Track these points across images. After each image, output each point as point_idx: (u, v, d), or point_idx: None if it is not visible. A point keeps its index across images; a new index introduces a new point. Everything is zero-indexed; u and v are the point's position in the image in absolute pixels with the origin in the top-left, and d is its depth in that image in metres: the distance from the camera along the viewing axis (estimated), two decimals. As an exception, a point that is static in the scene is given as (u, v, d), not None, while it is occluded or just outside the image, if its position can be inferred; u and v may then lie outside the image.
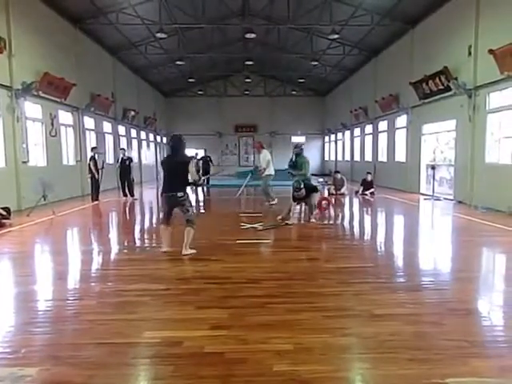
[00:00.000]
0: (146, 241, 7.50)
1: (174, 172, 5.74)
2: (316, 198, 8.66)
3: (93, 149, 13.21)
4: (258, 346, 3.03)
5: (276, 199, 11.18)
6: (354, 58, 19.80)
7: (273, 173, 11.39)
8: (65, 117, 13.73)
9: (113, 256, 6.19)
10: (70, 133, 14.23)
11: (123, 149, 15.10)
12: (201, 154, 20.63)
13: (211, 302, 3.92)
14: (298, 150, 9.31)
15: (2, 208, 8.30)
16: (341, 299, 4.02)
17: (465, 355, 2.87)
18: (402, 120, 16.29)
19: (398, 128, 16.72)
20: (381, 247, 6.65)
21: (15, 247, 6.63)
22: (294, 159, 9.41)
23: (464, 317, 3.61)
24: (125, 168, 13.41)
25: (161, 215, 6.17)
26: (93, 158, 12.64)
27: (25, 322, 3.54)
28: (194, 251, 5.79)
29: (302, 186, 8.27)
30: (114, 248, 6.81)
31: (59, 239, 7.56)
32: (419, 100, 14.00)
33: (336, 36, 15.30)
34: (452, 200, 12.05)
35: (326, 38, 16.99)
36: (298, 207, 9.39)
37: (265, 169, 11.06)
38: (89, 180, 12.75)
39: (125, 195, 13.38)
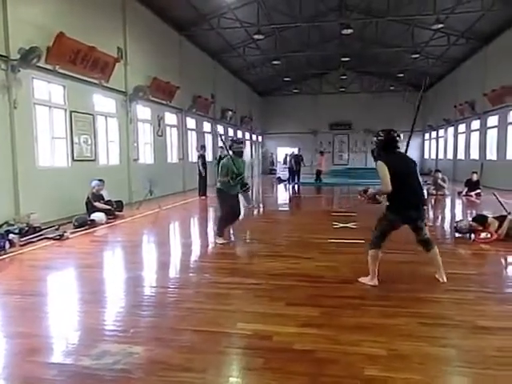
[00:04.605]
0: (241, 236, 7.79)
1: (417, 177, 4.30)
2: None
3: (201, 147, 13.92)
4: (349, 347, 2.96)
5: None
6: (461, 48, 18.21)
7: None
8: (170, 118, 14.87)
9: (209, 249, 6.54)
10: (174, 133, 15.36)
11: (222, 147, 15.79)
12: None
13: (302, 300, 3.93)
14: (239, 147, 6.49)
15: (116, 201, 9.26)
16: (440, 307, 3.79)
17: None
18: (516, 114, 14.52)
19: (511, 123, 14.96)
20: (487, 254, 5.98)
21: (126, 237, 7.42)
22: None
23: None
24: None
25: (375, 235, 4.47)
26: (201, 156, 13.40)
27: (133, 305, 3.92)
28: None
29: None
30: (211, 241, 7.19)
31: (163, 231, 8.24)
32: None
33: (440, 26, 14.22)
34: None
35: (428, 29, 15.87)
36: None
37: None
38: (197, 176, 13.45)
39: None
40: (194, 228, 9.03)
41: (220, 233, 6.52)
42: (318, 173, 19.88)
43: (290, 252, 5.84)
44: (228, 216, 6.50)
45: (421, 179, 4.33)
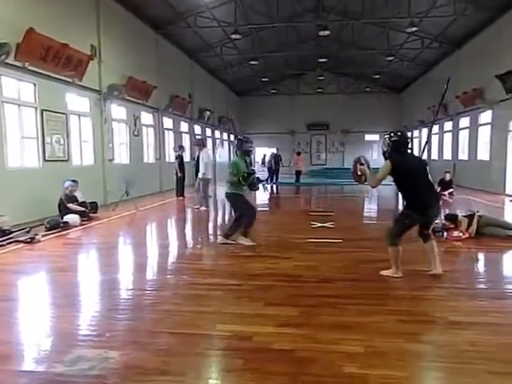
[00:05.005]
0: (219, 237, 7.74)
1: (428, 176, 4.49)
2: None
3: (179, 147, 13.74)
4: (328, 346, 2.98)
5: (206, 207, 10.36)
6: (434, 51, 18.74)
7: (209, 176, 10.32)
8: (146, 117, 14.63)
9: (187, 250, 6.47)
10: (151, 132, 15.13)
11: (198, 146, 15.61)
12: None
13: (282, 300, 3.92)
14: (249, 146, 6.42)
15: (90, 203, 9.01)
16: (415, 303, 3.88)
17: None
18: (486, 116, 15.06)
19: (481, 124, 15.53)
20: (460, 251, 6.16)
21: (101, 239, 7.22)
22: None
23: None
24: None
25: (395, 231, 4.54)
26: (179, 156, 13.24)
27: (108, 309, 3.82)
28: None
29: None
30: (189, 243, 7.11)
31: (140, 233, 8.07)
32: (506, 94, 12.79)
33: (414, 29, 14.61)
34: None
35: (403, 32, 16.22)
36: None
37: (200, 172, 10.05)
38: (174, 176, 13.22)
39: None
40: (171, 229, 8.90)
41: (247, 233, 6.25)
42: (298, 173, 19.88)
43: (269, 252, 5.83)
44: (252, 217, 6.25)
45: (431, 178, 4.49)
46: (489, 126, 14.78)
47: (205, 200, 10.41)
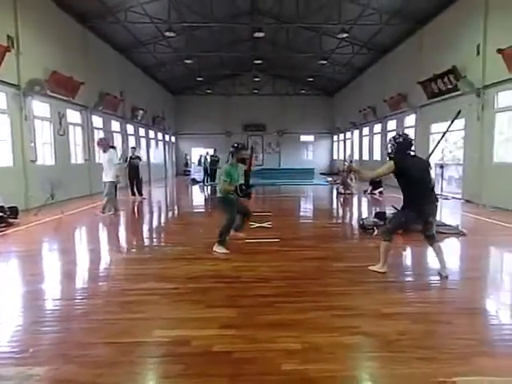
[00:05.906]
0: (155, 240, 7.50)
1: (430, 176, 4.70)
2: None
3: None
4: (266, 345, 3.02)
5: (111, 211, 9.42)
6: (363, 57, 19.76)
7: (113, 179, 9.20)
8: (73, 116, 13.75)
9: (121, 255, 6.17)
10: (79, 132, 14.26)
11: (134, 147, 15.08)
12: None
13: (220, 301, 3.90)
14: (246, 153, 6.15)
15: (10, 207, 8.29)
16: (349, 298, 4.03)
17: (473, 354, 2.88)
18: (410, 119, 16.25)
19: (406, 127, 16.66)
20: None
21: (22, 246, 6.59)
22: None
23: (472, 316, 3.61)
24: (133, 167, 13.38)
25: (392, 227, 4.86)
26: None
27: (32, 321, 3.52)
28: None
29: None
30: (122, 247, 6.81)
31: (66, 238, 7.53)
32: (428, 99, 13.94)
33: (345, 35, 15.30)
34: (460, 199, 12.05)
35: (335, 37, 16.90)
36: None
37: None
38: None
39: (133, 194, 13.37)
40: (102, 233, 8.44)
41: (223, 241, 5.92)
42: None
43: (207, 254, 5.75)
44: (232, 222, 5.97)
45: (433, 178, 4.71)
46: (413, 129, 15.83)
47: (110, 204, 9.40)
